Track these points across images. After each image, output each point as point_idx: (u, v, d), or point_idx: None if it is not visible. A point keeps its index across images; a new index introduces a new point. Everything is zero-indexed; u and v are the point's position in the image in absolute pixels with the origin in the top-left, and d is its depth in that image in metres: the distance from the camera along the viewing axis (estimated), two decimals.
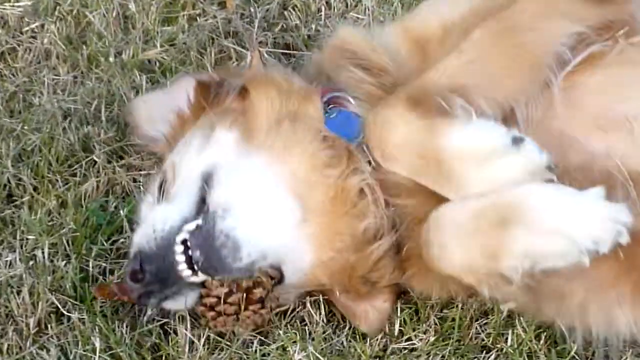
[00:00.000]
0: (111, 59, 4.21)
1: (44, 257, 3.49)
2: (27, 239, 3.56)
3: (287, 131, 3.19)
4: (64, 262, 3.48)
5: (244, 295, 3.10)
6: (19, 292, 3.40)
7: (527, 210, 2.77)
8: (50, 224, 3.62)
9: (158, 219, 3.18)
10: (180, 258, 3.10)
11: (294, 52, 4.27)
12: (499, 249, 2.79)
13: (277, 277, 3.15)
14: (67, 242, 3.56)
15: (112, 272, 3.51)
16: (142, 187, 3.71)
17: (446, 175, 2.90)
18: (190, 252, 3.09)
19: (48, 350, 3.25)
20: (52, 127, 3.94)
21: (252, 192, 3.15)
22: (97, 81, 4.16)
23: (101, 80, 4.16)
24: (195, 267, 3.09)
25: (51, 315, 3.37)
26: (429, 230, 2.92)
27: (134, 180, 3.79)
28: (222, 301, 3.10)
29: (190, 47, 4.26)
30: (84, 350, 3.25)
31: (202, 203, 3.18)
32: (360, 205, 3.14)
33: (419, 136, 2.92)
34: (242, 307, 3.13)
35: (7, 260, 3.50)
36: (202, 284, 3.13)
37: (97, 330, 3.29)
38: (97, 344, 3.24)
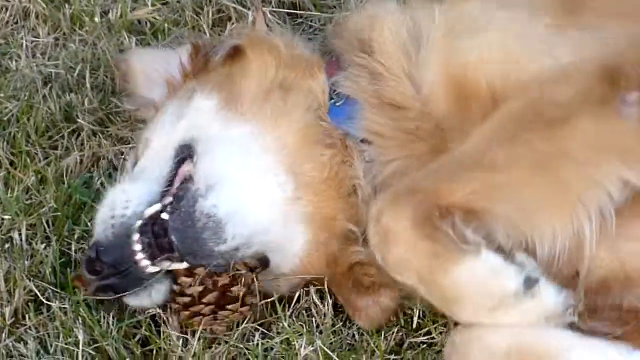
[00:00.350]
0: (97, 19, 4.15)
1: (21, 240, 3.43)
2: (2, 219, 3.50)
3: (277, 101, 3.13)
4: (44, 245, 3.41)
5: (223, 292, 3.03)
6: None
7: None
8: (28, 202, 3.55)
9: (118, 202, 3.12)
10: (137, 247, 3.02)
11: (301, 12, 4.17)
12: None
13: (258, 267, 3.06)
14: (47, 222, 3.49)
15: None
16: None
17: (452, 304, 2.77)
18: (149, 239, 3.01)
19: (25, 343, 3.18)
20: (31, 95, 3.88)
21: (236, 166, 3.09)
22: (81, 44, 4.09)
23: (85, 43, 4.09)
24: (158, 255, 3.01)
25: (29, 304, 3.28)
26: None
27: (121, 154, 3.73)
28: (196, 300, 3.03)
29: (185, 5, 4.17)
30: (66, 343, 3.17)
31: (173, 180, 3.13)
32: (352, 201, 3.10)
33: (422, 261, 2.75)
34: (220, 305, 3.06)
35: None
36: (173, 278, 3.04)
37: (80, 321, 3.21)
38: (81, 336, 3.15)
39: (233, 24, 4.06)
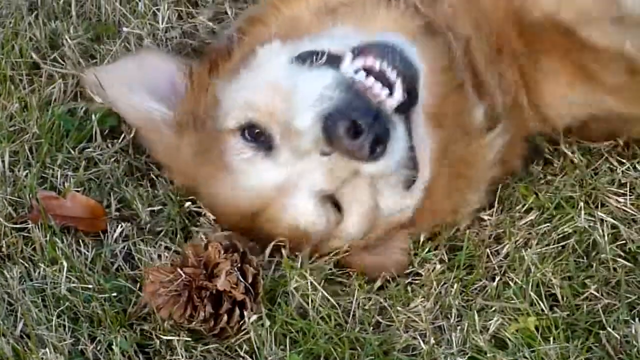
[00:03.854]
0: None
1: (3, 166, 3.37)
2: None
3: None
4: (26, 172, 3.35)
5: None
6: None
7: None
8: (11, 129, 3.49)
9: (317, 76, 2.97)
10: (369, 82, 2.91)
11: None
12: None
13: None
14: (30, 149, 3.43)
15: (82, 183, 3.36)
16: None
17: None
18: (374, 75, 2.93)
19: (10, 269, 3.12)
20: (17, 21, 3.81)
21: None
22: None
23: None
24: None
25: (11, 231, 3.22)
26: None
27: None
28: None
29: None
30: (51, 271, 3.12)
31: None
32: None
33: None
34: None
35: None
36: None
37: (60, 251, 3.16)
38: (65, 263, 3.10)
39: None
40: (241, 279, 2.92)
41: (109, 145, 3.43)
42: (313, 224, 3.00)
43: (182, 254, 3.04)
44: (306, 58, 3.01)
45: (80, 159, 3.40)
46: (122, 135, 3.43)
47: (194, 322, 2.92)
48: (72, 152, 3.41)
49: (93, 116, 3.45)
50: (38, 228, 3.17)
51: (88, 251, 3.17)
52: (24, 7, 3.84)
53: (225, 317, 2.91)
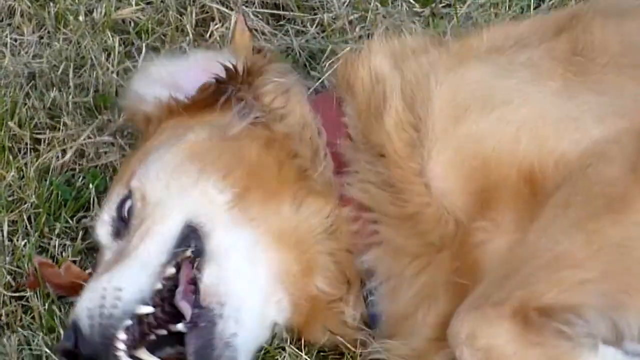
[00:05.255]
0: (81, 18, 4.07)
1: (2, 236, 3.40)
2: None
3: (289, 216, 3.00)
4: (24, 241, 3.37)
5: None
6: None
7: None
8: (10, 199, 3.51)
9: (109, 289, 2.90)
10: (121, 346, 2.85)
11: (285, 13, 4.09)
12: None
13: None
14: (28, 219, 3.46)
15: (80, 252, 3.38)
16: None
17: None
18: (134, 338, 2.86)
19: (9, 338, 3.14)
20: (15, 91, 3.82)
21: (246, 285, 2.96)
22: (65, 42, 4.03)
23: (69, 42, 4.03)
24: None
25: (11, 300, 3.26)
26: None
27: (105, 153, 3.68)
28: None
29: (169, 5, 4.09)
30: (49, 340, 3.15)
31: (172, 278, 2.93)
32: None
33: None
34: None
35: None
36: None
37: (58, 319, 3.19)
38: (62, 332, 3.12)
39: (216, 25, 3.99)
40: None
41: None
42: None
43: None
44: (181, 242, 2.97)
45: (78, 228, 3.41)
46: None
47: None
48: (70, 221, 3.43)
49: (90, 185, 3.48)
50: (37, 296, 3.18)
51: None
52: (22, 78, 3.86)
53: None
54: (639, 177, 2.66)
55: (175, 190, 3.00)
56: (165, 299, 2.90)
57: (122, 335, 2.84)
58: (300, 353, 3.00)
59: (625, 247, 2.63)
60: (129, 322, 2.85)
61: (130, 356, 2.85)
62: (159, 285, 2.89)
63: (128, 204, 3.03)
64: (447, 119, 2.88)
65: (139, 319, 2.86)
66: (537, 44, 2.96)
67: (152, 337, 2.88)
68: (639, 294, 2.62)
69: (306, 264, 2.97)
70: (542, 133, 2.79)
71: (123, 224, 3.04)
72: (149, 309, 2.87)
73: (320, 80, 3.55)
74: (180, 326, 2.87)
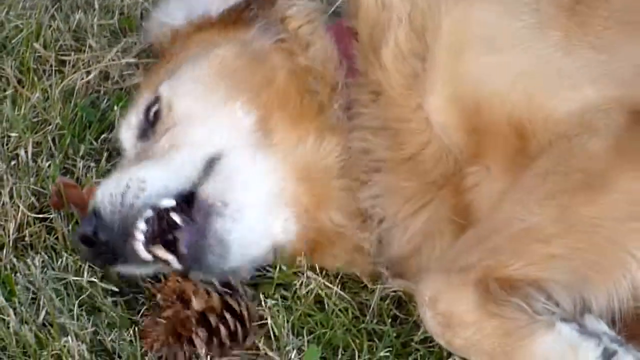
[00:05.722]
0: None
1: (27, 157, 3.38)
2: (9, 136, 3.46)
3: (310, 146, 2.99)
4: (48, 162, 3.36)
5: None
6: None
7: None
8: (35, 120, 3.51)
9: (134, 180, 2.91)
10: (140, 236, 2.87)
11: None
12: None
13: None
14: (53, 140, 3.45)
15: (104, 174, 3.34)
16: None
17: None
18: (153, 231, 2.87)
19: (33, 258, 3.11)
20: (40, 14, 3.81)
21: (256, 198, 2.96)
22: None
23: None
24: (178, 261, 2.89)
25: (35, 221, 3.22)
26: None
27: (129, 76, 3.68)
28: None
29: None
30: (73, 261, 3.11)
31: (190, 184, 2.94)
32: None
33: (493, 341, 2.59)
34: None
35: None
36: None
37: None
38: None
39: None
40: (211, 289, 2.92)
41: None
42: None
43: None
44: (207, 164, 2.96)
45: (103, 150, 3.42)
46: None
47: (199, 350, 2.89)
48: (94, 143, 3.43)
49: (115, 107, 3.47)
50: (60, 217, 3.19)
51: None
52: (47, 0, 3.86)
53: (223, 330, 2.88)
54: (620, 154, 2.65)
55: (202, 106, 3.01)
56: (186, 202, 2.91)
57: (142, 225, 2.85)
58: (318, 277, 3.00)
59: (596, 226, 2.63)
60: (150, 212, 2.86)
61: (147, 250, 2.86)
62: (184, 187, 2.90)
63: (155, 108, 3.05)
64: (451, 51, 2.87)
65: (159, 213, 2.87)
66: None
67: (170, 236, 2.88)
68: (606, 272, 2.62)
69: (319, 198, 2.97)
70: (536, 86, 2.77)
71: (149, 126, 3.06)
72: (171, 202, 2.88)
73: (336, 5, 3.45)
74: (177, 218, 2.87)
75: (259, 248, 2.96)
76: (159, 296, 2.93)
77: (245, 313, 2.90)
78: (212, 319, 2.88)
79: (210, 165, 2.94)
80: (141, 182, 2.89)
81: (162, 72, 3.14)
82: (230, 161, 2.95)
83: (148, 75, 3.30)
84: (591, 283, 2.63)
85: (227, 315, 2.88)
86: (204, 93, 3.02)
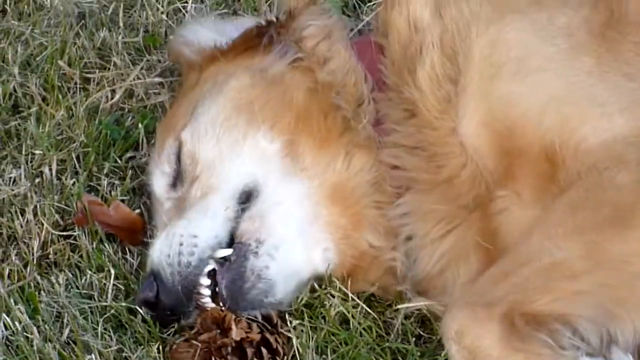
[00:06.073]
0: None
1: (51, 174, 3.39)
2: (33, 153, 3.47)
3: (340, 165, 2.98)
4: (73, 180, 3.37)
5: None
6: (22, 212, 3.28)
7: None
8: (59, 137, 3.51)
9: (186, 237, 2.91)
10: (206, 292, 2.89)
11: None
12: None
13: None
14: (77, 158, 3.47)
15: (128, 191, 3.38)
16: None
17: None
18: (216, 285, 2.89)
19: (57, 276, 3.13)
20: (65, 31, 3.82)
21: (293, 229, 2.96)
22: None
23: None
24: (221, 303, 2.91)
25: (59, 238, 3.25)
26: None
27: (154, 94, 3.67)
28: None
29: None
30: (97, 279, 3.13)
31: (234, 225, 2.95)
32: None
33: None
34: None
35: (11, 177, 3.41)
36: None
37: (106, 257, 3.18)
38: (112, 271, 3.12)
39: None
40: (252, 319, 2.91)
41: None
42: None
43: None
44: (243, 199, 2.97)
45: (127, 167, 3.43)
46: None
47: None
48: (119, 161, 3.44)
49: (139, 124, 3.48)
50: (85, 235, 3.20)
51: (133, 259, 3.19)
52: (72, 18, 3.86)
53: None
54: None
55: (226, 146, 2.99)
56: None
57: (205, 281, 2.86)
58: (349, 296, 2.98)
59: (624, 262, 2.62)
60: (211, 266, 2.87)
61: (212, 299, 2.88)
62: (229, 231, 2.91)
63: (181, 155, 3.04)
64: (483, 75, 2.86)
65: (220, 267, 2.87)
66: (576, 5, 2.89)
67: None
68: (634, 308, 2.62)
69: (355, 218, 2.96)
70: (568, 112, 2.76)
71: (179, 175, 3.05)
72: (228, 251, 2.88)
73: (363, 23, 3.46)
74: (212, 262, 2.87)
75: (299, 280, 2.95)
76: (198, 320, 2.92)
77: (280, 350, 2.89)
78: (249, 351, 2.87)
79: (245, 201, 2.94)
80: (192, 238, 2.89)
81: (181, 111, 3.12)
82: (262, 195, 2.96)
83: (167, 116, 3.28)
84: (618, 318, 2.62)
85: (264, 350, 2.87)
86: (224, 132, 3.00)
